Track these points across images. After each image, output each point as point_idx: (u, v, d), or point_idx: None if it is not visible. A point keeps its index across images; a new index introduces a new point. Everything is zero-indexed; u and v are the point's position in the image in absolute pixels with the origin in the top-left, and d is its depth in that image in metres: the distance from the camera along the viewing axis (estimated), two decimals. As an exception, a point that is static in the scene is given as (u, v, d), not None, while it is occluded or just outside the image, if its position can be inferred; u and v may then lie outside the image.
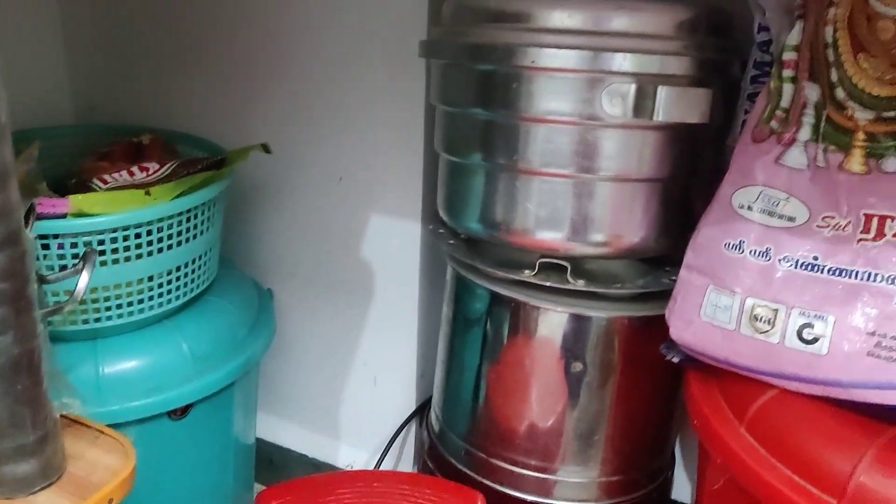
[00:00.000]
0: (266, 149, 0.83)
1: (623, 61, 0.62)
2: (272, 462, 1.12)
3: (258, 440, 1.05)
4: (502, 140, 0.69)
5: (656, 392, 0.78)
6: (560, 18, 0.64)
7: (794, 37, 0.61)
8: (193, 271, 0.80)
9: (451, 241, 0.80)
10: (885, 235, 0.57)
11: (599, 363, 0.75)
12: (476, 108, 0.70)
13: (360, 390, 1.04)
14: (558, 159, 0.68)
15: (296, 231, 1.00)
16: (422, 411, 0.98)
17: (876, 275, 0.57)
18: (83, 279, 0.57)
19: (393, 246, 0.93)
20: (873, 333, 0.56)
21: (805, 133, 0.60)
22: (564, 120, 0.66)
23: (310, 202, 0.97)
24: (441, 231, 0.82)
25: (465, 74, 0.70)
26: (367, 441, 1.05)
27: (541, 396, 0.78)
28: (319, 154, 0.94)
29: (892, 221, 0.57)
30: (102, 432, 0.55)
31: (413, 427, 1.01)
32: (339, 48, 0.89)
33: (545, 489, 0.79)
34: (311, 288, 1.02)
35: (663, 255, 0.75)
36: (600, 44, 0.63)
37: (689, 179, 0.71)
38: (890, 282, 0.56)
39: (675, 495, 0.92)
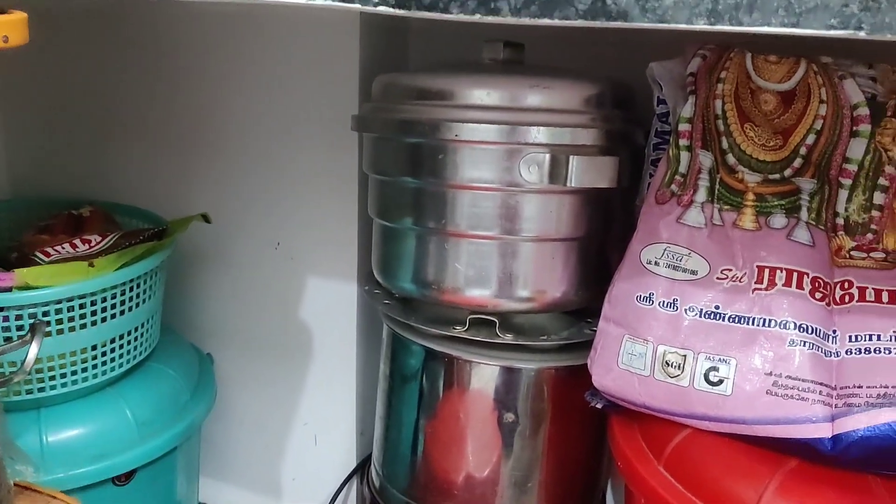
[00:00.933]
0: (206, 219, 0.87)
1: (537, 134, 0.69)
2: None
3: (201, 504, 1.06)
4: (431, 206, 0.74)
5: (585, 438, 0.83)
6: (479, 96, 0.70)
7: (687, 110, 0.68)
8: (136, 339, 0.82)
9: (387, 301, 0.84)
10: (776, 285, 0.64)
11: (530, 413, 0.80)
12: (406, 176, 0.75)
13: (301, 450, 1.06)
14: (484, 222, 0.73)
15: (235, 296, 1.03)
16: (362, 468, 1.01)
17: (770, 320, 0.63)
18: (32, 350, 0.60)
19: (330, 308, 0.97)
20: (770, 373, 0.62)
21: (701, 195, 0.67)
22: (487, 187, 0.72)
23: (248, 268, 1.01)
24: (376, 291, 0.86)
25: (394, 146, 0.76)
26: (310, 500, 1.06)
27: (476, 447, 0.82)
28: (257, 222, 0.98)
29: (781, 272, 0.64)
30: (54, 497, 0.57)
31: (354, 484, 1.03)
32: (275, 120, 0.94)
33: (484, 537, 0.82)
34: (250, 351, 1.05)
35: (585, 308, 0.81)
36: (517, 118, 0.69)
37: (603, 237, 0.77)
38: (782, 326, 0.63)
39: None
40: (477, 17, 0.38)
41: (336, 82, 0.88)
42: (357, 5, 0.41)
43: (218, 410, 1.05)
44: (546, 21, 0.37)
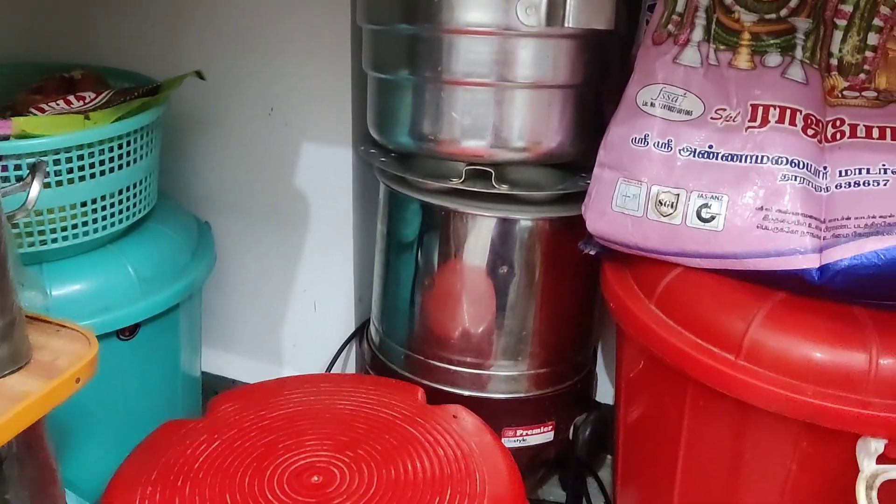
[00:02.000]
0: (200, 75, 0.86)
1: (535, -26, 0.68)
2: (218, 394, 1.16)
3: (204, 374, 1.08)
4: (427, 53, 0.74)
5: (577, 289, 0.85)
6: (477, -65, 0.69)
7: (685, -53, 0.68)
8: (135, 195, 0.83)
9: (383, 159, 0.85)
10: (769, 122, 0.65)
11: (525, 264, 0.82)
12: (401, 23, 0.75)
13: (300, 317, 1.08)
14: (480, 69, 0.73)
15: (230, 164, 1.03)
16: (361, 331, 1.03)
17: (762, 157, 0.64)
18: (34, 189, 0.60)
19: (326, 172, 0.97)
20: (761, 208, 0.64)
21: (698, 34, 0.67)
22: (484, 31, 0.72)
23: (242, 134, 1.00)
24: (372, 151, 0.87)
25: (389, -7, 0.75)
26: (311, 365, 1.09)
27: (473, 299, 0.84)
28: (250, 85, 0.97)
29: (774, 109, 0.65)
30: (63, 325, 0.58)
31: (354, 348, 1.06)
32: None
33: (480, 384, 0.85)
34: (246, 219, 1.05)
35: (579, 163, 0.82)
36: (515, -42, 0.69)
37: (600, 86, 0.78)
38: (774, 162, 0.64)
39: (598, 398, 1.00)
40: None
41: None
42: None
43: (217, 279, 1.06)
44: None
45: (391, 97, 0.79)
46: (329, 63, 0.91)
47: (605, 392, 1.00)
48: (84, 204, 0.78)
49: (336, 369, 1.06)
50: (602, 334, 0.98)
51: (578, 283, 0.85)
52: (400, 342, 0.89)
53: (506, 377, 0.85)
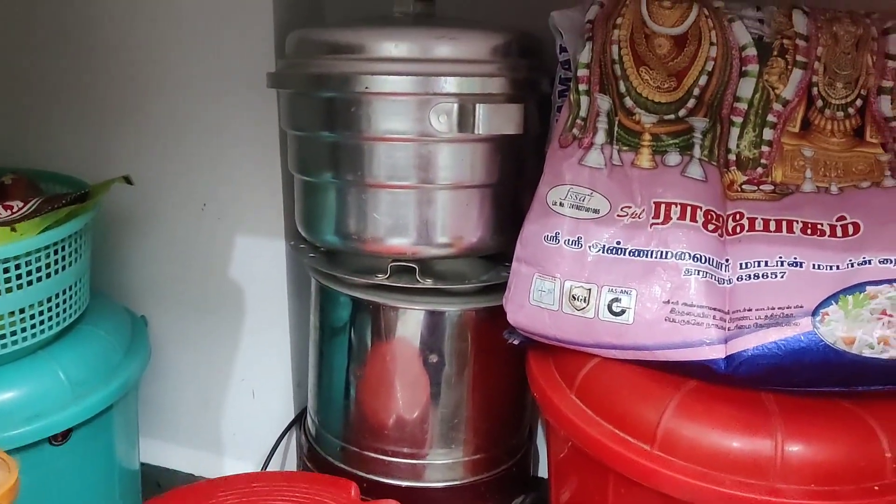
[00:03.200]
0: (128, 180, 0.88)
1: (445, 84, 0.71)
2: (159, 485, 1.15)
3: (144, 465, 1.07)
4: (349, 159, 0.77)
5: (507, 375, 0.87)
6: (388, 48, 0.73)
7: (584, 56, 0.71)
8: (65, 301, 0.83)
9: (312, 255, 0.86)
10: (671, 219, 0.68)
11: (455, 354, 0.84)
12: (322, 131, 0.77)
13: (239, 405, 1.08)
14: (400, 172, 0.76)
15: (166, 258, 1.04)
16: (301, 418, 1.04)
17: (667, 252, 0.67)
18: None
19: (260, 264, 0.99)
20: (668, 301, 0.66)
21: (601, 137, 0.71)
22: (401, 137, 0.75)
23: (177, 229, 1.02)
24: (302, 246, 0.89)
25: (309, 102, 0.78)
26: (251, 452, 1.09)
27: (405, 389, 0.85)
28: (183, 183, 0.99)
29: (676, 206, 0.68)
30: (-12, 453, 0.59)
31: (294, 434, 1.06)
32: (194, 81, 0.94)
33: (416, 474, 0.86)
34: (184, 311, 1.06)
35: (503, 252, 0.84)
36: (425, 69, 0.72)
37: (517, 182, 0.81)
38: (678, 257, 0.67)
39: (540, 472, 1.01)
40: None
41: (252, 40, 0.89)
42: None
43: (156, 371, 1.07)
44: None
45: (316, 198, 0.81)
46: (259, 161, 0.94)
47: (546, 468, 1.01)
48: (12, 314, 0.78)
49: (277, 457, 1.06)
50: (538, 409, 0.99)
51: (508, 368, 0.86)
52: (335, 434, 0.89)
53: (441, 465, 0.86)
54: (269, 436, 1.05)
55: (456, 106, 0.71)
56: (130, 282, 1.07)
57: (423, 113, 0.72)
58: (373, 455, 0.87)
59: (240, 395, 1.08)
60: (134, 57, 0.96)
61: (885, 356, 0.60)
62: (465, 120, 0.71)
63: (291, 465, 1.08)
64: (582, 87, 0.72)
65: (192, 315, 1.06)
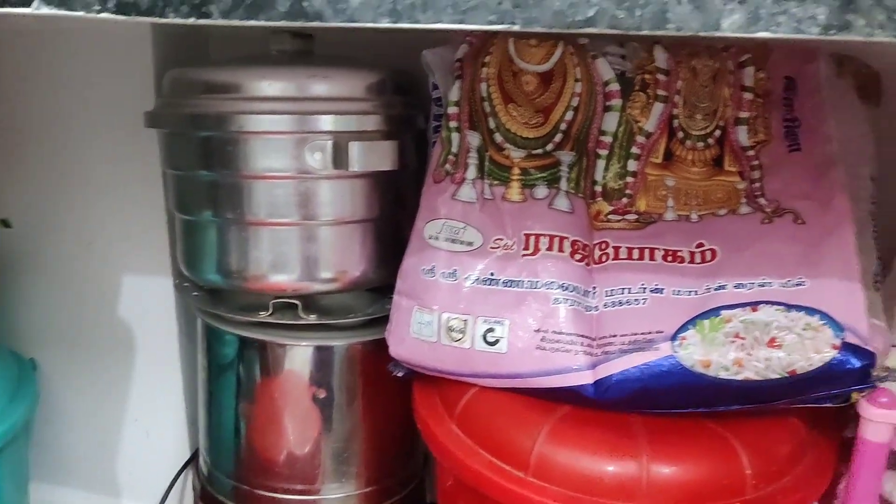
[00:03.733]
0: (6, 224, 0.86)
1: (319, 122, 0.72)
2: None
3: (37, 511, 1.05)
4: (227, 197, 0.77)
5: (397, 406, 0.87)
6: (262, 87, 0.73)
7: (454, 93, 0.73)
8: (-63, 351, 0.81)
9: (196, 293, 0.86)
10: (540, 250, 0.70)
11: (344, 388, 0.84)
12: (200, 170, 0.77)
13: (134, 446, 1.06)
14: (279, 210, 0.76)
15: (51, 299, 1.02)
16: (196, 457, 1.02)
17: (537, 282, 0.69)
18: None
19: (149, 303, 0.98)
20: (538, 330, 0.68)
21: (472, 172, 0.73)
22: (279, 175, 0.75)
23: (63, 270, 1.00)
24: (186, 284, 0.88)
25: (186, 141, 0.78)
26: (148, 493, 1.07)
27: (295, 426, 0.85)
28: (66, 222, 0.97)
29: (544, 238, 0.70)
30: None
31: (191, 473, 1.05)
32: (75, 122, 0.93)
33: (309, 509, 0.86)
34: (74, 353, 1.04)
35: (390, 284, 0.85)
36: (299, 108, 0.73)
37: (398, 216, 0.82)
38: (547, 286, 0.69)
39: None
40: (191, 21, 0.41)
41: (132, 80, 0.89)
42: (80, 13, 0.43)
43: (47, 414, 1.04)
44: (253, 23, 0.41)
45: (197, 237, 0.81)
46: (143, 200, 0.93)
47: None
48: None
49: (174, 497, 1.04)
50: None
51: (398, 399, 0.86)
52: (227, 474, 0.89)
53: (334, 500, 0.86)
54: (165, 476, 1.03)
55: (330, 143, 0.72)
56: (17, 325, 1.04)
57: (300, 151, 0.73)
58: (264, 493, 0.86)
59: (134, 435, 1.06)
60: (11, 96, 0.94)
61: (739, 377, 0.63)
62: (339, 157, 0.72)
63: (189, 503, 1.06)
64: (452, 124, 0.74)
65: (83, 356, 1.04)
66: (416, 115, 0.81)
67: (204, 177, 0.77)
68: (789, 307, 0.63)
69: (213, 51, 0.99)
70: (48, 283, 1.01)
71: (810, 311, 0.63)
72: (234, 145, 0.74)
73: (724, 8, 0.35)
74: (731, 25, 0.36)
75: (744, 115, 0.74)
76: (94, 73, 0.91)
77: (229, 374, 0.86)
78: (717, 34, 0.36)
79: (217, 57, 0.98)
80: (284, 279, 0.78)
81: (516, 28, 0.38)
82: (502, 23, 0.38)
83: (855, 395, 0.63)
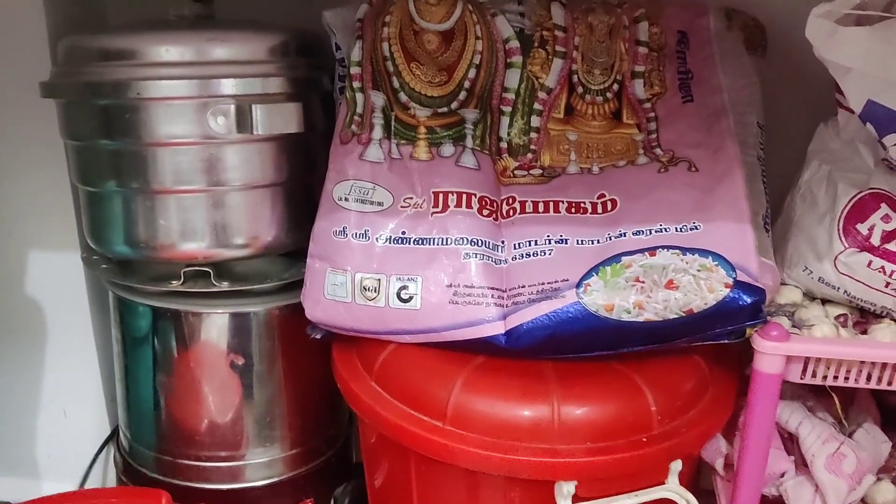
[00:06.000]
0: None
1: (221, 86, 0.72)
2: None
3: (-46, 500, 1.02)
4: (130, 166, 0.75)
5: (318, 368, 0.88)
6: (159, 53, 0.72)
7: (356, 54, 0.74)
8: None
9: (105, 266, 0.84)
10: (449, 207, 0.72)
11: (263, 353, 0.84)
12: (101, 139, 0.76)
13: (52, 425, 1.04)
14: (185, 177, 0.75)
15: (-47, 280, 0.98)
16: (116, 434, 1.01)
17: (447, 239, 0.71)
18: None
19: (58, 279, 0.96)
20: (450, 285, 0.70)
21: (378, 133, 0.73)
22: (183, 142, 0.74)
23: (-35, 249, 0.97)
24: (95, 257, 0.86)
25: (84, 110, 0.76)
26: (69, 473, 1.05)
27: (215, 394, 0.85)
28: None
29: (452, 195, 0.72)
30: None
31: (112, 450, 1.04)
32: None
33: (235, 475, 0.87)
34: (-18, 335, 1.01)
35: (304, 248, 0.86)
36: (199, 72, 0.72)
37: (309, 179, 0.82)
38: (457, 242, 0.70)
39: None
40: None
41: (25, 48, 0.86)
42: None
43: (-42, 401, 1.01)
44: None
45: (102, 208, 0.79)
46: (45, 173, 0.91)
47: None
48: None
49: (96, 475, 1.03)
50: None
51: (318, 361, 0.87)
52: (148, 446, 0.88)
53: (259, 464, 0.87)
54: (86, 455, 1.02)
55: (233, 107, 0.72)
56: (-79, 310, 1.01)
57: (202, 116, 0.72)
58: (188, 462, 0.86)
59: (51, 415, 1.04)
60: None
61: (640, 319, 0.66)
62: (243, 121, 0.72)
63: (112, 482, 1.05)
64: (356, 84, 0.74)
65: (-9, 339, 1.01)
66: (321, 76, 0.80)
67: (105, 146, 0.76)
68: (685, 250, 0.67)
69: (111, 16, 0.96)
70: (-50, 264, 0.98)
71: (704, 253, 0.66)
72: (134, 112, 0.73)
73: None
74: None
75: (639, 68, 0.77)
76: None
77: (145, 347, 0.85)
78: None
79: (116, 23, 0.95)
80: (195, 247, 0.78)
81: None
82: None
83: (749, 331, 0.67)
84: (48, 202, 0.92)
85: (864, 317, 0.75)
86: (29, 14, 0.85)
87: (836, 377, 0.67)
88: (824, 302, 0.76)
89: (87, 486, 0.99)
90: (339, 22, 0.76)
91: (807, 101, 0.82)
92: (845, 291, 0.73)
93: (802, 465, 0.72)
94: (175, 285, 0.79)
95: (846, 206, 0.72)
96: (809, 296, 0.77)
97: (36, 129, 0.89)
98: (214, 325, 0.82)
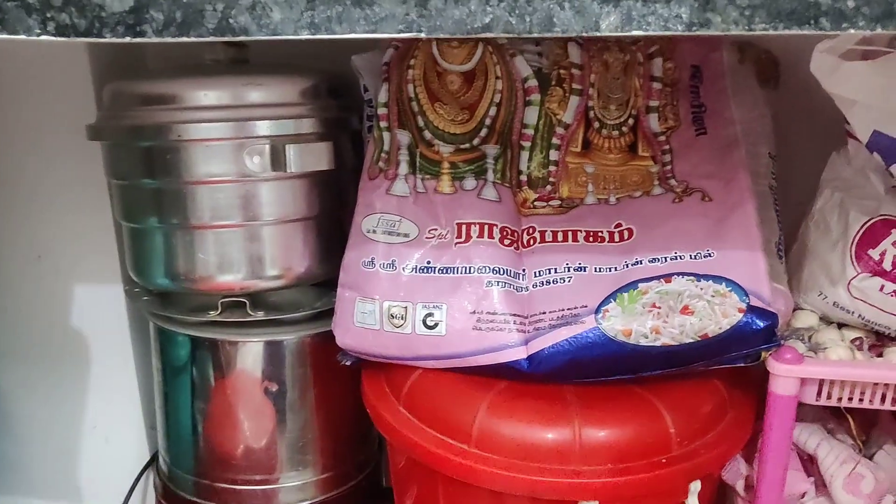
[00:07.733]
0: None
1: (256, 128, 0.76)
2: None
3: (-1, 525, 1.06)
4: (172, 203, 0.80)
5: (348, 394, 0.91)
6: (198, 97, 0.77)
7: (382, 95, 0.78)
8: None
9: (146, 298, 0.89)
10: (471, 237, 0.75)
11: (295, 380, 0.88)
12: (143, 178, 0.80)
13: (93, 452, 1.08)
14: (222, 213, 0.80)
15: (4, 314, 1.03)
16: (155, 460, 1.05)
17: (470, 267, 0.74)
18: None
19: (101, 310, 1.00)
20: (474, 312, 0.73)
21: (404, 168, 0.77)
22: (221, 180, 0.78)
23: (13, 282, 1.01)
24: (136, 290, 0.91)
25: (128, 152, 0.81)
26: (109, 499, 1.09)
27: (250, 420, 0.88)
28: (14, 236, 0.99)
29: (475, 226, 0.75)
30: None
31: (151, 475, 1.07)
32: (17, 135, 0.94)
33: (268, 498, 0.90)
34: (30, 365, 1.05)
35: (334, 279, 0.89)
36: (235, 115, 0.76)
37: (339, 213, 0.86)
38: (480, 271, 0.74)
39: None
40: (127, 40, 0.45)
41: (71, 94, 0.91)
42: (22, 36, 0.46)
43: (5, 428, 1.06)
44: (184, 39, 0.44)
45: (144, 244, 0.84)
46: (89, 210, 0.95)
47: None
48: None
49: (136, 498, 1.07)
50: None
51: (349, 388, 0.91)
52: (187, 470, 0.92)
53: (292, 487, 0.90)
54: (126, 481, 1.05)
55: (268, 147, 0.76)
56: (-31, 340, 1.06)
57: (239, 155, 0.77)
58: (225, 486, 0.89)
59: (93, 442, 1.08)
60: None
61: (658, 343, 0.69)
62: (277, 159, 0.76)
63: (152, 505, 1.09)
64: (383, 123, 0.78)
65: (38, 368, 1.06)
66: (350, 116, 0.85)
67: (147, 185, 0.81)
68: (699, 277, 0.69)
69: (151, 60, 1.01)
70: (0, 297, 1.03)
71: (718, 279, 0.69)
72: (174, 153, 0.77)
73: (601, 11, 0.40)
74: (608, 26, 0.41)
75: (654, 103, 0.80)
76: (34, 89, 0.92)
77: (183, 375, 0.89)
78: (598, 34, 0.41)
79: (154, 67, 1.01)
80: (231, 279, 0.82)
81: (423, 35, 0.43)
82: (410, 31, 0.43)
83: (764, 354, 0.69)
84: (92, 238, 0.97)
85: (879, 340, 0.76)
86: (74, 61, 0.90)
87: (850, 398, 0.69)
88: (840, 326, 0.78)
89: (129, 511, 1.03)
90: (366, 65, 0.81)
91: (821, 130, 0.84)
92: (860, 315, 0.74)
93: (822, 486, 0.74)
94: (213, 315, 0.83)
95: (858, 232, 0.74)
96: (826, 320, 0.79)
97: (81, 170, 0.94)
98: (250, 354, 0.86)
